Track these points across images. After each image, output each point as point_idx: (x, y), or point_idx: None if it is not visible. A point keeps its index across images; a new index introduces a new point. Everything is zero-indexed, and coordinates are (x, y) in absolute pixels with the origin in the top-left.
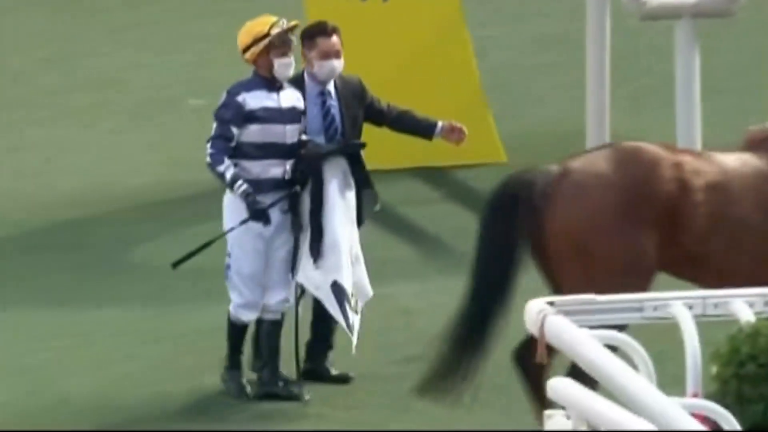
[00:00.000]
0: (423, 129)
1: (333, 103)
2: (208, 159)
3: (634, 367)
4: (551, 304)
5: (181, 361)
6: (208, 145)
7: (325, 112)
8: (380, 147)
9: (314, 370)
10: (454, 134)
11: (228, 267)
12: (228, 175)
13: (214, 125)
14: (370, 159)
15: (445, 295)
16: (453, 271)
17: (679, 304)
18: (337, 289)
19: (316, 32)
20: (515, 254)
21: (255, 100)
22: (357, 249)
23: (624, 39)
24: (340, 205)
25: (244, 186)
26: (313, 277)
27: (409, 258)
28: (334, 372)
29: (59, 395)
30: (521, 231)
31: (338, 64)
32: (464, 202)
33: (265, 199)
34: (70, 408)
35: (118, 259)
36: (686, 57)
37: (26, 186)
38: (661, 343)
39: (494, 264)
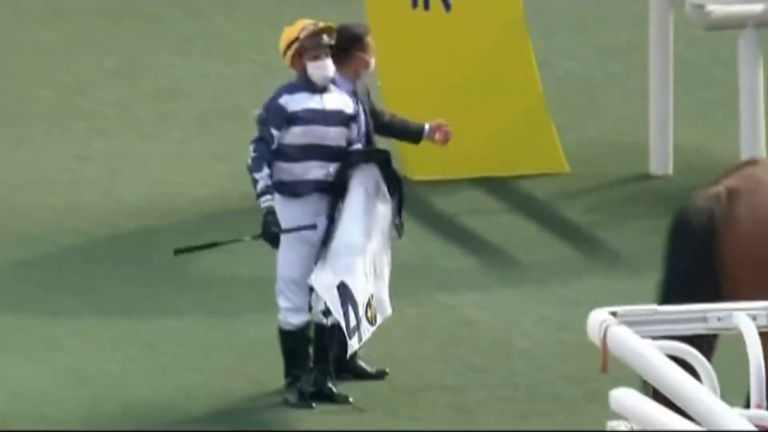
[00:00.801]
0: (412, 133)
1: (360, 105)
2: (249, 161)
3: (698, 378)
4: (614, 314)
5: (244, 371)
6: (251, 148)
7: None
8: (442, 157)
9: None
10: (439, 134)
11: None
12: (260, 186)
13: (257, 128)
14: (432, 169)
15: (508, 306)
16: (516, 282)
17: (743, 314)
18: (344, 291)
19: (365, 33)
20: (705, 281)
21: (297, 102)
22: (383, 265)
23: (688, 49)
24: (364, 213)
25: (270, 203)
26: (323, 278)
27: (471, 268)
28: (369, 369)
29: (123, 405)
30: (703, 258)
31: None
32: (527, 213)
33: (307, 204)
34: (134, 418)
35: (182, 270)
36: (750, 67)
37: (91, 196)
38: (725, 353)
39: (686, 296)
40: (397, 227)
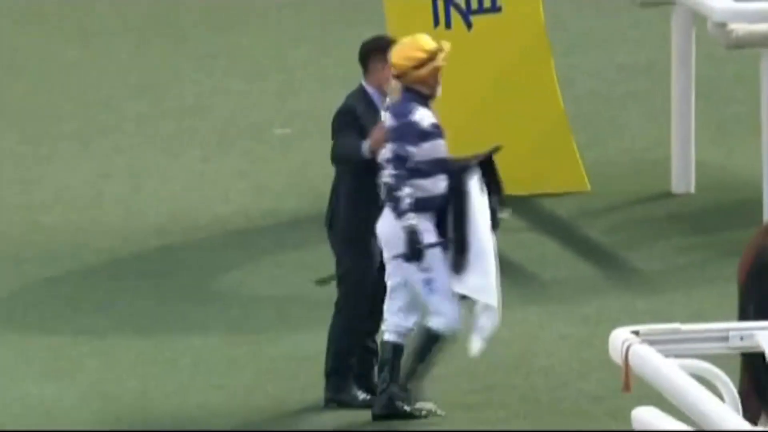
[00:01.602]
0: None
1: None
2: (390, 180)
3: (720, 397)
4: (636, 333)
5: (265, 388)
6: (390, 166)
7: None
8: None
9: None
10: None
11: (429, 282)
12: (405, 204)
13: (393, 146)
14: None
15: (529, 323)
16: (536, 300)
17: (766, 333)
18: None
19: (387, 46)
20: None
21: (425, 118)
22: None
23: (710, 67)
24: (482, 213)
25: (413, 222)
26: (472, 282)
27: None
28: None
29: (145, 423)
30: None
31: None
32: (548, 231)
33: (432, 218)
34: None
35: (204, 287)
36: None
37: (114, 213)
38: None
39: None
40: (497, 222)
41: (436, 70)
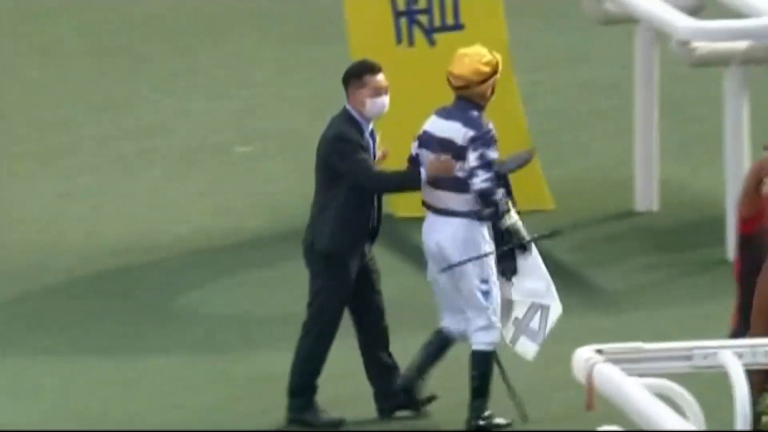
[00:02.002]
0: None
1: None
2: (484, 185)
3: (684, 416)
4: (599, 352)
5: (227, 409)
6: (481, 173)
7: (374, 153)
8: (417, 194)
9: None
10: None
11: (488, 294)
12: (503, 205)
13: (475, 154)
14: (418, 206)
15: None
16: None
17: (729, 353)
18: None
19: (362, 71)
20: None
21: (492, 126)
22: None
23: (674, 86)
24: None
25: (516, 218)
26: (529, 286)
27: None
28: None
29: None
30: None
31: (387, 101)
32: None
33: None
34: None
35: (166, 307)
36: (735, 104)
37: (74, 233)
38: (710, 390)
39: None
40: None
41: (495, 83)
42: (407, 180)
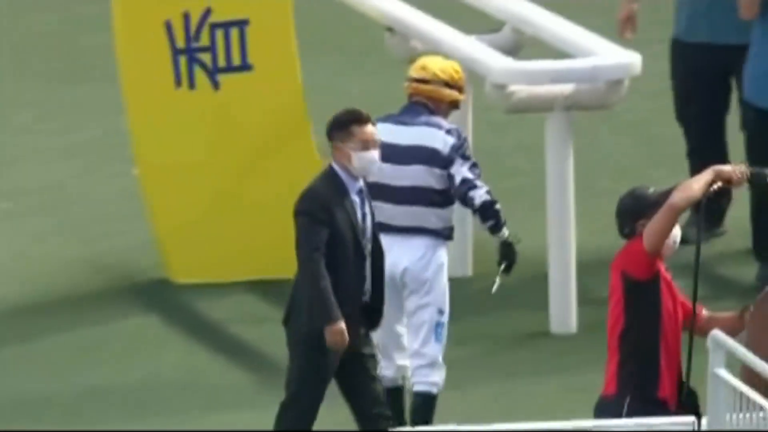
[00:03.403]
0: None
1: (368, 200)
2: (487, 197)
3: None
4: None
5: None
6: (479, 183)
7: (363, 213)
8: (210, 257)
9: None
10: None
11: (441, 327)
12: (503, 217)
13: (467, 165)
14: (199, 271)
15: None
16: None
17: None
18: None
19: (348, 121)
20: None
21: None
22: None
23: (489, 135)
24: None
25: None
26: None
27: (243, 384)
28: None
29: None
30: None
31: (377, 156)
32: None
33: None
34: None
35: None
36: (558, 154)
37: None
38: None
39: None
40: None
41: (455, 104)
42: (327, 301)
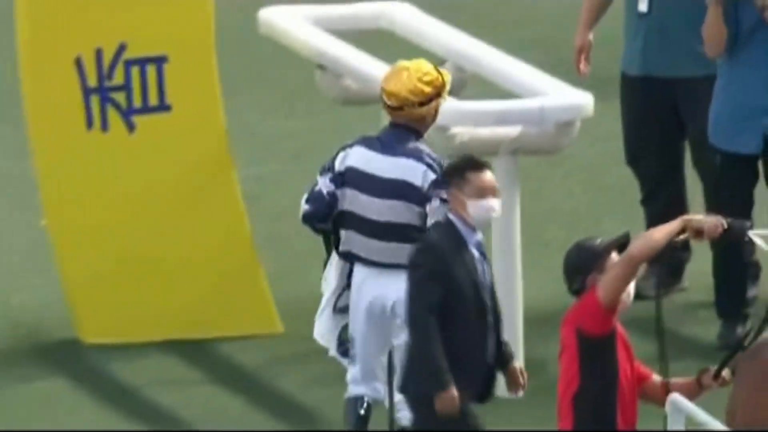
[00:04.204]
0: None
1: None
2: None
3: None
4: None
5: None
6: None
7: (483, 269)
8: (124, 316)
9: None
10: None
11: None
12: None
13: (445, 204)
14: (112, 331)
15: None
16: None
17: None
18: None
19: (464, 167)
20: None
21: None
22: None
23: None
24: None
25: None
26: None
27: None
28: None
29: None
30: None
31: (497, 205)
32: (231, 384)
33: None
34: None
35: None
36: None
37: None
38: None
39: None
40: None
41: (438, 107)
42: (436, 366)
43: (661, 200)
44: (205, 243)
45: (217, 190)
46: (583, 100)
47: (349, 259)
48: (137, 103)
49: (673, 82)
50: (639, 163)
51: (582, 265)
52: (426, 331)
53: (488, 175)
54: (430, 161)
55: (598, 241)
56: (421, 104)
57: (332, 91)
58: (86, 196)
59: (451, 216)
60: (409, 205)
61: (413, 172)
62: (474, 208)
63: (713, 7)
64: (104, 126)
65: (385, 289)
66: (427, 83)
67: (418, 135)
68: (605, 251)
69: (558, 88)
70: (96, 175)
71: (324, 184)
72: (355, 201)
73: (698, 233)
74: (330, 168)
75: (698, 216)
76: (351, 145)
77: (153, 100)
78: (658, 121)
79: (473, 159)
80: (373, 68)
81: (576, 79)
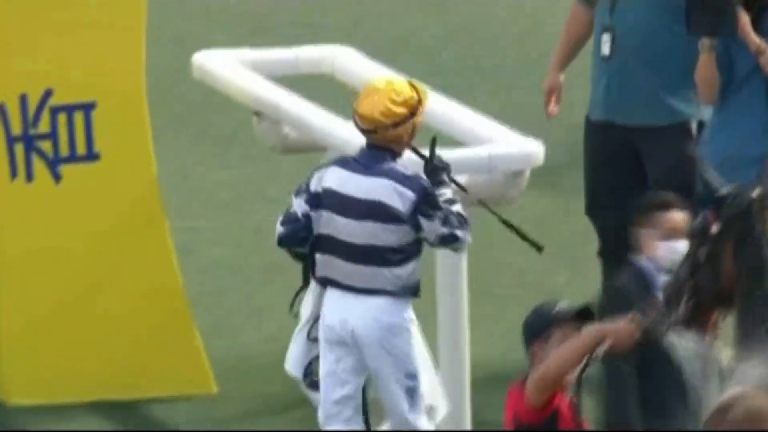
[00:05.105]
0: None
1: None
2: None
3: None
4: None
5: None
6: (460, 233)
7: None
8: (49, 375)
9: None
10: None
11: (413, 392)
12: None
13: (437, 220)
14: (36, 391)
15: None
16: None
17: None
18: None
19: (652, 206)
20: None
21: None
22: None
23: None
24: None
25: None
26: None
27: None
28: None
29: None
30: None
31: (683, 246)
32: None
33: None
34: None
35: None
36: (450, 255)
37: None
38: None
39: None
40: None
41: (415, 126)
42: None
43: (619, 253)
44: (136, 298)
45: (148, 243)
46: (533, 148)
47: (325, 284)
48: (64, 151)
49: (633, 129)
50: (596, 212)
51: (531, 330)
52: (616, 379)
53: (677, 215)
54: (413, 185)
55: (559, 306)
56: (395, 125)
57: (270, 139)
58: (9, 250)
59: (636, 260)
60: (385, 225)
61: (387, 191)
62: (665, 249)
63: (706, 54)
64: (29, 176)
65: (348, 315)
66: (400, 104)
67: (395, 155)
68: (555, 319)
69: (507, 136)
70: (20, 228)
71: (299, 206)
72: (331, 223)
73: (615, 344)
74: (306, 189)
75: (614, 325)
76: (327, 166)
77: (81, 148)
78: (619, 170)
79: (661, 199)
80: (313, 115)
81: (531, 127)
